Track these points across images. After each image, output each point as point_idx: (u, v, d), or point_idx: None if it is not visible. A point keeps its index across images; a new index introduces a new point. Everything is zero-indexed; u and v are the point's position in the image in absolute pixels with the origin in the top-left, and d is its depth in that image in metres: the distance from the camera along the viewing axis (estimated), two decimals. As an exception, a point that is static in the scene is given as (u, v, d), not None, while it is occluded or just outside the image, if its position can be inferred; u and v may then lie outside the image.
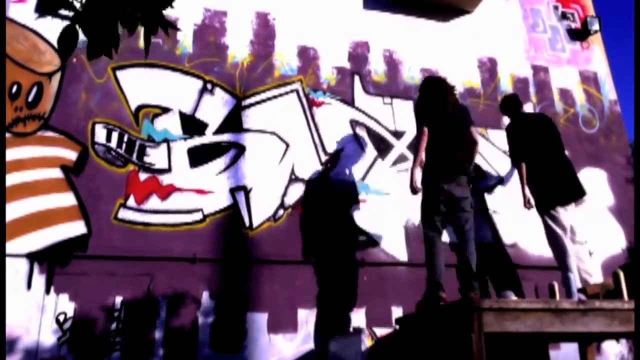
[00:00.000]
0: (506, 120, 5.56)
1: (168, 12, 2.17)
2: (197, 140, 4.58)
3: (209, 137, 4.62)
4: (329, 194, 4.70)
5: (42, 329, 3.71)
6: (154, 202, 4.28)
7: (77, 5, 1.84)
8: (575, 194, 4.23)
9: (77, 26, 1.81)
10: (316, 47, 5.24)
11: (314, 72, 5.14)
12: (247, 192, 4.52)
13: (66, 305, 3.81)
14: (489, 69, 5.79)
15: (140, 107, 4.54)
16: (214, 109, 4.72)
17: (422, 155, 3.86)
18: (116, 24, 1.81)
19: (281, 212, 4.53)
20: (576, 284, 3.52)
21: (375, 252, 4.62)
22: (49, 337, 3.71)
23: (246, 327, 4.09)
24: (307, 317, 4.23)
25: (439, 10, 5.83)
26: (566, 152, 4.49)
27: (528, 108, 5.73)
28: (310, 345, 4.14)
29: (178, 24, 4.83)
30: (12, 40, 4.39)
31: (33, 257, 3.87)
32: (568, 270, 3.82)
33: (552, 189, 4.20)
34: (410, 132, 5.18)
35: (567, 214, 4.16)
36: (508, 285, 4.69)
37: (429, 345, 3.39)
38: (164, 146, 4.48)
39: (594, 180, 5.60)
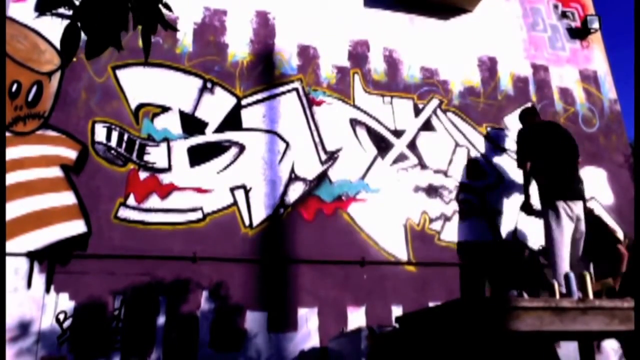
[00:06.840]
0: (506, 120, 5.58)
1: (166, 11, 2.16)
2: (197, 139, 4.58)
3: (209, 136, 4.62)
4: (329, 193, 4.70)
5: (42, 327, 3.72)
6: (154, 201, 4.28)
7: (77, 2, 1.83)
8: (574, 194, 4.47)
9: (78, 24, 1.80)
10: (316, 45, 5.23)
11: (313, 71, 5.13)
12: (247, 191, 4.52)
13: (66, 304, 3.82)
14: (488, 67, 5.78)
15: (140, 106, 4.54)
16: (214, 107, 4.72)
17: None
18: (117, 19, 1.80)
19: (281, 211, 4.53)
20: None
21: (375, 251, 4.62)
22: (49, 336, 3.71)
23: (246, 326, 4.10)
24: (307, 316, 4.24)
25: (439, 9, 5.82)
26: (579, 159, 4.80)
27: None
28: (310, 344, 4.14)
29: (178, 23, 4.83)
30: (12, 39, 4.38)
31: (33, 256, 3.87)
32: (555, 267, 4.17)
33: (556, 185, 4.47)
34: (410, 130, 5.18)
35: (571, 212, 4.38)
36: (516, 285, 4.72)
37: (430, 344, 3.39)
38: (164, 145, 4.48)
39: (594, 179, 5.60)
